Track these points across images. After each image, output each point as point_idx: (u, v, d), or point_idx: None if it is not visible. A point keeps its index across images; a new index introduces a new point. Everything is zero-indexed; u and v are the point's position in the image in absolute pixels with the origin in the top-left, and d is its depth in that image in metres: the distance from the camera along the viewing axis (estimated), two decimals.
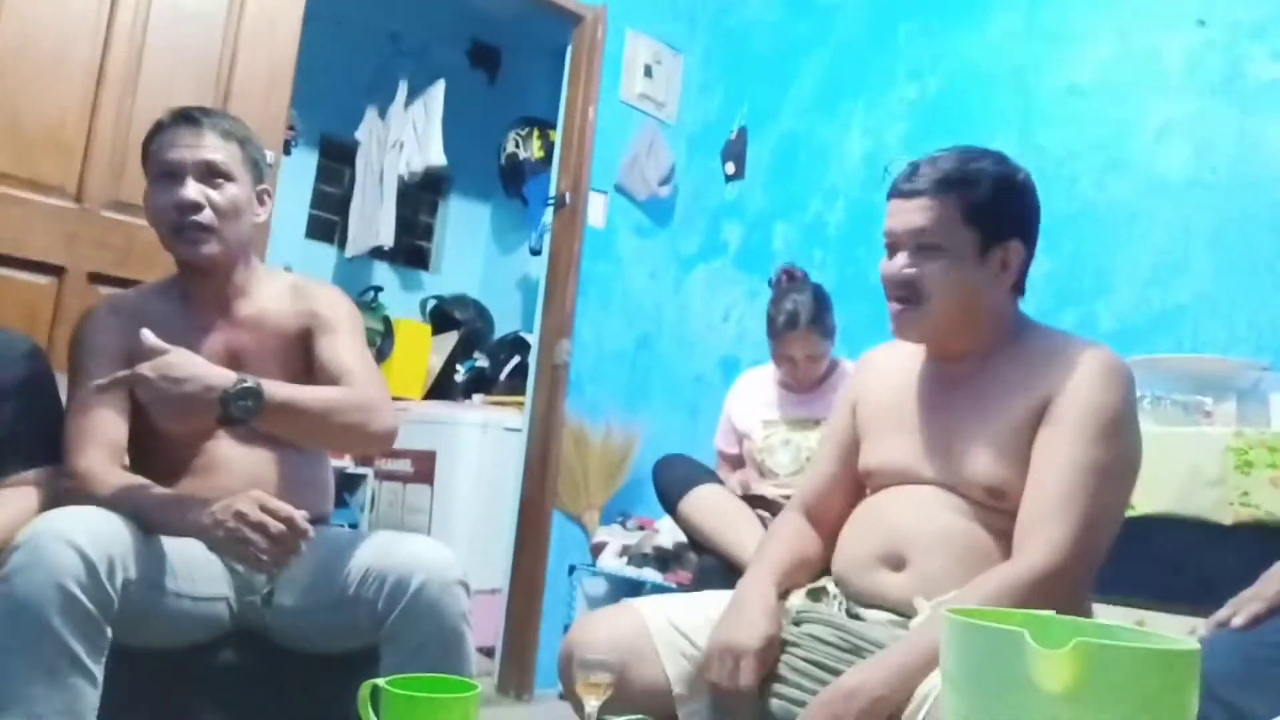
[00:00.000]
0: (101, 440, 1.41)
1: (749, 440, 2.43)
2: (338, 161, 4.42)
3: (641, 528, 3.03)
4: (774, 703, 1.21)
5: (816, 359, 2.33)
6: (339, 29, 3.86)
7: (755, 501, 2.26)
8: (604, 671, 1.18)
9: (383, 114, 4.29)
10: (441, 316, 4.39)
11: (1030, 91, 2.64)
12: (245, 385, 1.29)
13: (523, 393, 3.40)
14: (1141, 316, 2.33)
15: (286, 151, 3.59)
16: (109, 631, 1.19)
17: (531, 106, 4.30)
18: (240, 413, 1.29)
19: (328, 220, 4.44)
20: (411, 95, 4.23)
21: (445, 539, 2.59)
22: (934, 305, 1.30)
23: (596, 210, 3.30)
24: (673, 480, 2.28)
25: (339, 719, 1.20)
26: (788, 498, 1.71)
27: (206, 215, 1.47)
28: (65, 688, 1.15)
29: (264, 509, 1.26)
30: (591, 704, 1.17)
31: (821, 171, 3.12)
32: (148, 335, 1.28)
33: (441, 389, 4.22)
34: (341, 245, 4.39)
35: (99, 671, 1.18)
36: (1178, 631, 1.21)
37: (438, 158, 4.10)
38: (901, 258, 1.31)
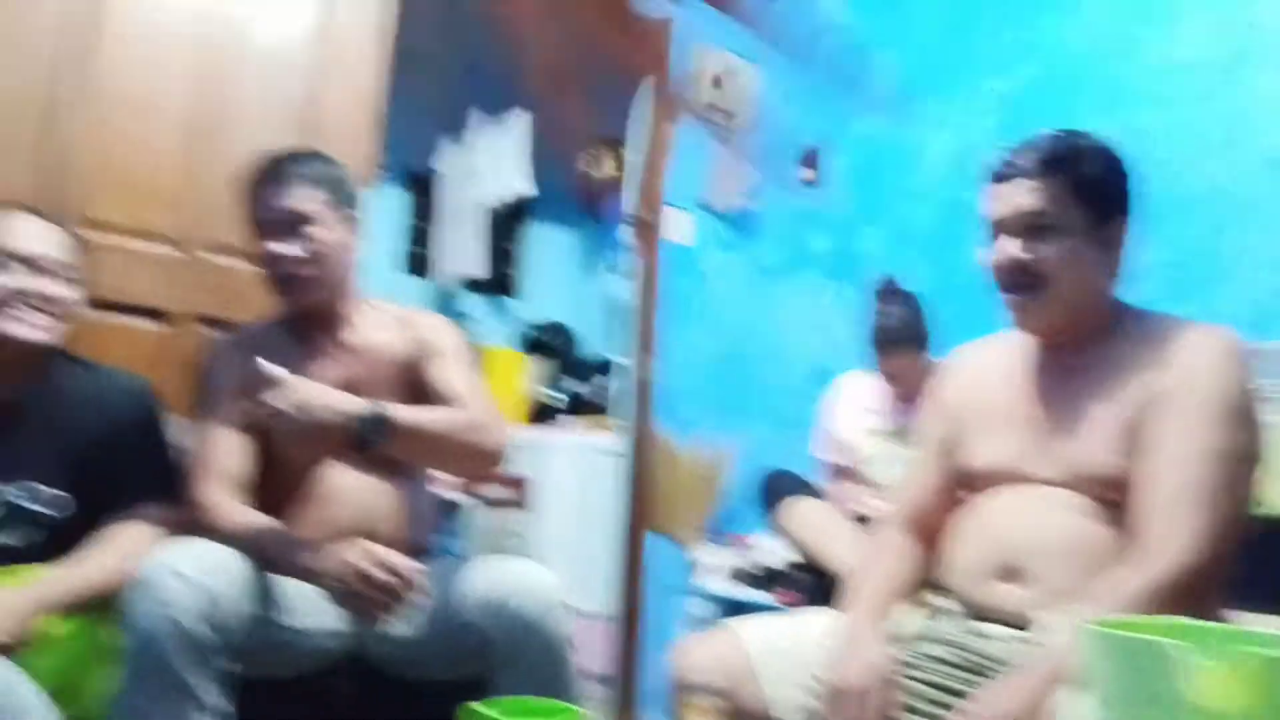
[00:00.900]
0: (223, 473, 1.46)
1: (852, 450, 2.37)
2: (419, 194, 4.49)
3: (739, 545, 2.98)
4: None
5: (917, 372, 2.27)
6: (414, 62, 3.94)
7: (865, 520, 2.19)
8: (706, 695, 1.14)
9: (459, 144, 4.35)
10: (531, 341, 4.43)
11: (1129, 72, 2.51)
12: (376, 411, 1.32)
13: (613, 414, 3.39)
14: (1275, 302, 2.17)
15: (375, 187, 3.67)
16: (222, 663, 1.21)
17: (600, 125, 4.30)
18: (373, 438, 1.31)
19: (414, 253, 4.51)
20: (487, 124, 4.28)
21: (543, 564, 2.59)
22: (1058, 290, 1.23)
23: (675, 225, 3.28)
24: (781, 495, 2.24)
25: None
26: None
27: (298, 266, 1.52)
28: (178, 718, 1.17)
29: (373, 560, 1.27)
30: None
31: (907, 173, 3.04)
32: (264, 363, 1.30)
33: (535, 414, 4.25)
34: (424, 276, 4.45)
35: (213, 700, 1.20)
36: None
37: (527, 186, 4.14)
38: (1012, 244, 1.25)
